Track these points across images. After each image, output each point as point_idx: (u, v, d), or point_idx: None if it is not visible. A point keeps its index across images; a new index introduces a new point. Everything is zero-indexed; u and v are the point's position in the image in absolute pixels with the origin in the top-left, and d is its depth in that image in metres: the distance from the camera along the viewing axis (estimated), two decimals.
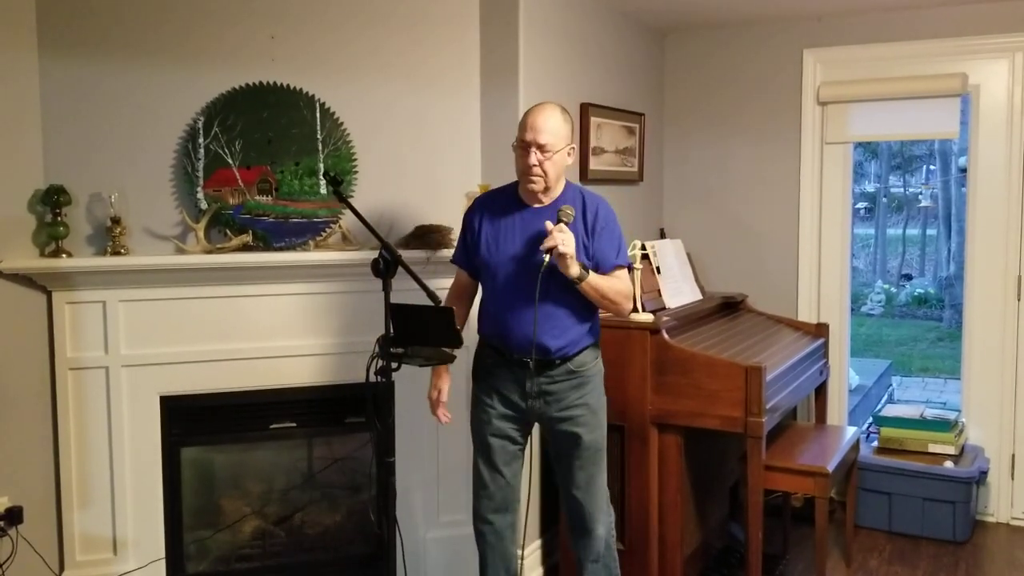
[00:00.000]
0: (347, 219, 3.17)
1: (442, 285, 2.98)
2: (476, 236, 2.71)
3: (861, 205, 15.36)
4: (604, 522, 2.78)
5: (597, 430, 2.72)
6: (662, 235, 4.45)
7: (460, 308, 2.80)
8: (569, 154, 2.63)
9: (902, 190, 16.09)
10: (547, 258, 2.47)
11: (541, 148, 2.54)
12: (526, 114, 2.60)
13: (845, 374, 4.50)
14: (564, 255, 2.46)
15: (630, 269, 2.69)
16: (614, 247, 2.65)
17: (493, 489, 2.76)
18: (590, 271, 2.55)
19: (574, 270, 2.50)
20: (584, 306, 2.65)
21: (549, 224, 2.50)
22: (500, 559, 2.82)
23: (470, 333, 2.80)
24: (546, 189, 2.61)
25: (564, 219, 2.53)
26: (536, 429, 2.86)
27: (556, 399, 2.67)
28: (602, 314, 2.79)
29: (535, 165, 2.55)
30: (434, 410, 2.80)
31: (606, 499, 2.80)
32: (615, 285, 2.61)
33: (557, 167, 2.59)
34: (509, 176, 3.24)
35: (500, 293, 2.65)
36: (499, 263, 2.65)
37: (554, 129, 2.55)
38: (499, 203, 2.72)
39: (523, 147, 2.57)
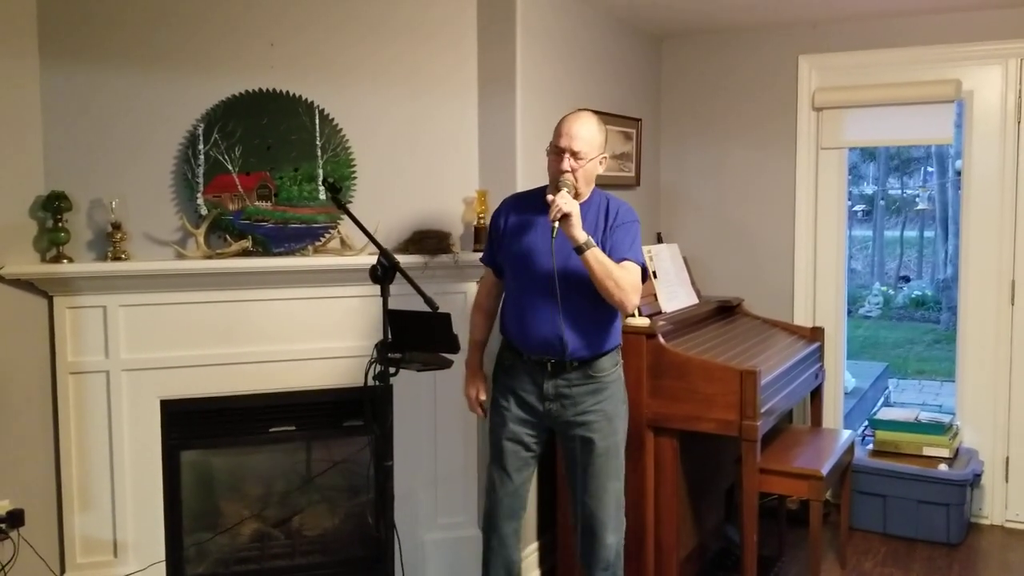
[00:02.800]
0: (346, 224, 3.19)
1: (441, 290, 3.01)
2: (501, 235, 2.77)
3: (859, 207, 15.40)
4: (615, 530, 2.77)
5: (611, 437, 2.72)
6: (659, 240, 4.48)
7: (489, 305, 2.90)
8: (601, 163, 2.67)
9: (900, 192, 16.12)
10: (556, 225, 2.49)
11: (575, 155, 2.58)
12: (562, 120, 2.65)
13: (841, 377, 4.52)
14: (568, 215, 2.47)
15: (644, 273, 2.69)
16: (627, 241, 2.65)
17: (501, 494, 2.79)
18: (596, 246, 2.54)
19: (578, 233, 2.49)
20: (603, 311, 2.66)
21: (550, 196, 2.53)
22: (502, 564, 2.85)
23: (495, 332, 2.87)
24: (576, 195, 2.62)
25: (564, 187, 2.55)
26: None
27: (572, 403, 2.69)
28: None
29: (568, 172, 2.58)
30: (473, 407, 2.90)
31: (618, 507, 2.78)
32: (620, 270, 2.57)
33: (588, 174, 2.64)
34: (506, 181, 3.29)
35: (522, 292, 2.69)
36: (522, 262, 2.69)
37: (588, 137, 2.60)
38: (526, 204, 2.76)
39: (557, 152, 2.61)
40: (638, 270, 2.65)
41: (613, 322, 2.74)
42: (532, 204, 2.73)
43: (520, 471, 2.79)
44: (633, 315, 3.31)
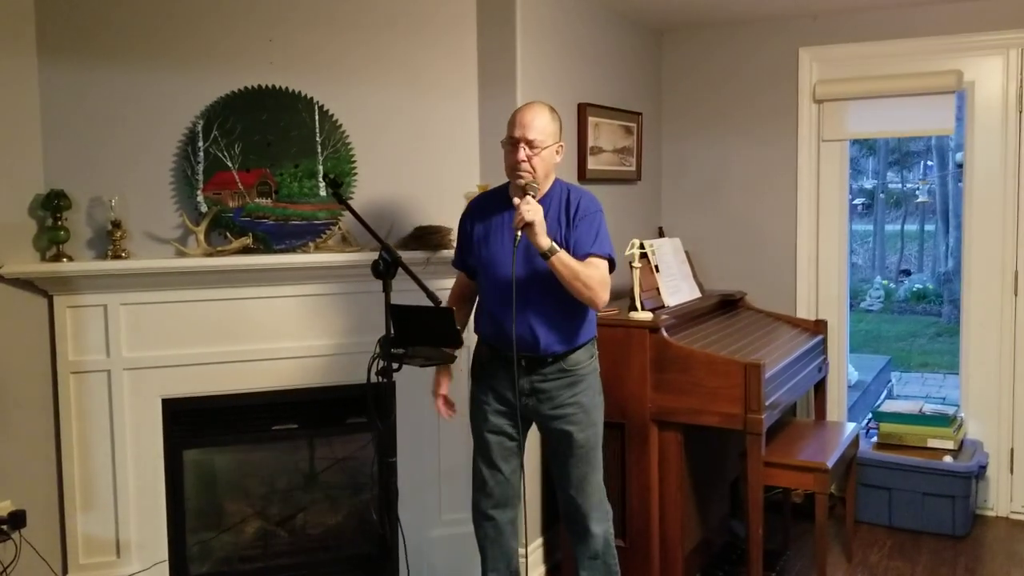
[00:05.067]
0: (347, 221, 3.18)
1: (442, 286, 3.00)
2: (469, 237, 2.76)
3: (859, 201, 15.39)
4: (600, 520, 2.78)
5: (589, 429, 2.73)
6: (660, 234, 4.46)
7: (460, 309, 2.85)
8: (557, 152, 2.65)
9: (900, 186, 16.12)
10: (519, 234, 2.48)
11: (529, 144, 2.56)
12: (515, 112, 2.64)
13: (844, 370, 4.51)
14: (532, 224, 2.46)
15: (612, 263, 2.66)
16: (591, 235, 2.62)
17: (492, 485, 2.78)
18: (561, 249, 2.52)
19: (543, 240, 2.48)
20: (574, 307, 2.65)
21: (516, 200, 2.53)
22: (501, 554, 2.85)
23: (470, 333, 2.83)
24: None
25: (530, 192, 2.54)
26: (534, 428, 2.87)
27: (548, 397, 2.69)
28: (601, 313, 2.79)
29: (523, 160, 2.56)
30: (437, 405, 2.87)
31: (601, 497, 2.80)
32: (587, 269, 2.55)
33: (545, 163, 2.61)
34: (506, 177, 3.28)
35: (493, 290, 2.68)
36: (491, 261, 2.68)
37: (542, 126, 2.59)
38: (490, 204, 2.75)
39: (512, 143, 2.60)
40: (605, 264, 2.63)
41: (586, 316, 2.72)
42: (496, 204, 2.72)
43: (507, 461, 2.78)
44: (635, 308, 3.30)
